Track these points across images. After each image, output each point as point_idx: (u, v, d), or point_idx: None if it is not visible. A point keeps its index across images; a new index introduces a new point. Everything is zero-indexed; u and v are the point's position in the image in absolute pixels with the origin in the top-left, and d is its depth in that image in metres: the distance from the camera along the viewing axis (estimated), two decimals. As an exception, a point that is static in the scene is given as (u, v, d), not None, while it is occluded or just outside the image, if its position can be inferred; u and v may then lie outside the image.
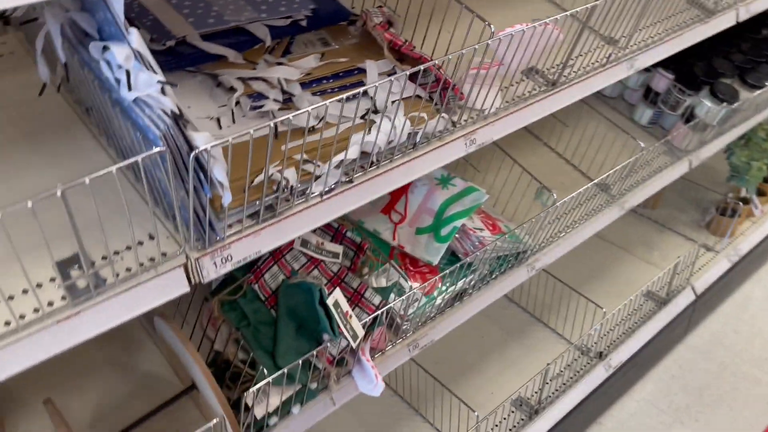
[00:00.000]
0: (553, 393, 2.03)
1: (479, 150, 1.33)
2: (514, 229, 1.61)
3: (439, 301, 1.53)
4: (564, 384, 2.06)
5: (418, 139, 1.20)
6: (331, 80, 1.22)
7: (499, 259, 1.65)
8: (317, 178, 1.09)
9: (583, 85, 1.50)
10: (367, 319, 1.30)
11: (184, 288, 0.99)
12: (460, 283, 1.55)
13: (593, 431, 2.30)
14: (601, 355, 2.18)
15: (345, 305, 1.24)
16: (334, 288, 1.31)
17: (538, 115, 1.40)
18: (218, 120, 1.13)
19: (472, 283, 1.60)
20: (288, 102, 1.17)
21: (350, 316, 1.24)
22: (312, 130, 1.13)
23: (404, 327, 1.48)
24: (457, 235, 1.54)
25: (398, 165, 1.19)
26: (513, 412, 1.95)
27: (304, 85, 1.20)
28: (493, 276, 1.65)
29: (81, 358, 1.40)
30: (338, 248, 1.41)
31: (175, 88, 0.89)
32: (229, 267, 1.03)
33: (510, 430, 1.96)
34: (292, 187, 1.05)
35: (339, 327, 1.22)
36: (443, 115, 1.21)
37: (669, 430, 2.36)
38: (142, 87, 0.85)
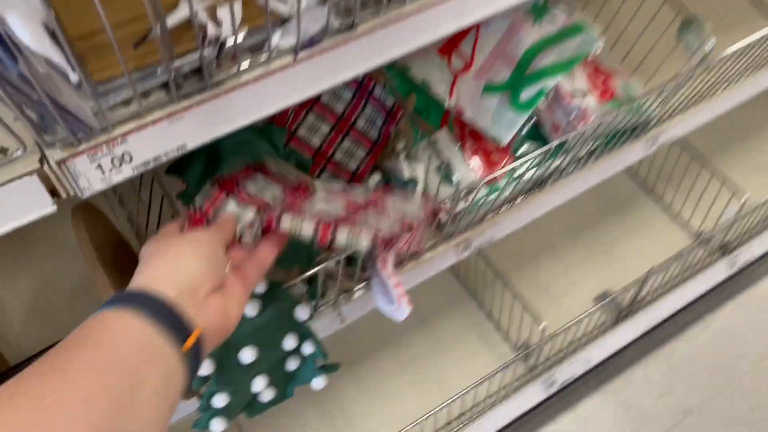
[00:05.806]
0: (651, 294, 1.60)
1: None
2: (642, 98, 1.06)
3: (507, 193, 1.07)
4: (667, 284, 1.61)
5: (482, -47, 0.67)
6: None
7: (607, 135, 1.13)
8: (284, 21, 0.61)
9: None
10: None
11: (46, 207, 0.60)
12: (541, 170, 1.07)
13: (696, 332, 1.85)
14: (724, 249, 1.69)
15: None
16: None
17: None
18: None
19: (561, 166, 1.11)
20: None
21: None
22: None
23: (450, 228, 1.05)
24: (545, 101, 1.03)
25: None
26: (593, 311, 1.54)
27: None
28: (592, 156, 1.15)
29: None
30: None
31: None
32: (127, 172, 0.62)
33: (591, 332, 1.57)
34: (232, 39, 0.58)
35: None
36: None
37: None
38: None
